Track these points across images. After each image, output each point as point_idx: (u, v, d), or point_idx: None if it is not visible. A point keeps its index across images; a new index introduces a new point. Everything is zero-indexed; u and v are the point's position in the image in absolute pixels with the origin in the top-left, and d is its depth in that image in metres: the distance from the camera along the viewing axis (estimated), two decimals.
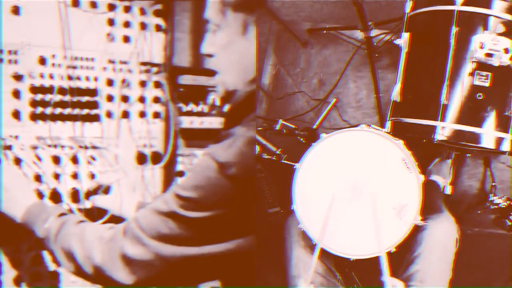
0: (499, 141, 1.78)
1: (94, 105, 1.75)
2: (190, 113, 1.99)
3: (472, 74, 1.76)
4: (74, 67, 1.69)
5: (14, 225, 1.42)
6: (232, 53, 1.33)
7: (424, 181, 1.68)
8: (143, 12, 1.85)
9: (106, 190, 1.72)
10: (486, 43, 1.73)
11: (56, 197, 1.63)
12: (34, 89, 1.62)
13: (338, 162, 1.75)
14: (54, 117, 1.66)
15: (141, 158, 1.86)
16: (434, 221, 1.76)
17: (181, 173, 1.97)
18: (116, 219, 1.62)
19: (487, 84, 1.76)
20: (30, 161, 1.59)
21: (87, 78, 1.73)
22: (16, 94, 1.58)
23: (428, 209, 1.73)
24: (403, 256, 1.74)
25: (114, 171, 1.76)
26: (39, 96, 1.62)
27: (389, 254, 1.64)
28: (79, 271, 1.33)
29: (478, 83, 1.76)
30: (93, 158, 1.74)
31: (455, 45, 1.77)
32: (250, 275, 1.35)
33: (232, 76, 1.34)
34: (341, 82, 2.69)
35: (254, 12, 1.32)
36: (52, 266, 1.63)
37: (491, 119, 1.76)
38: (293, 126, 2.45)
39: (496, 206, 2.24)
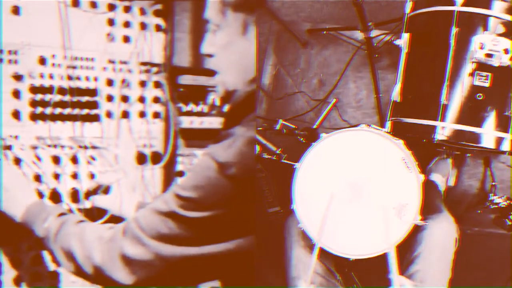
0: (499, 141, 1.78)
1: (94, 105, 1.75)
2: (190, 113, 1.98)
3: (472, 74, 1.76)
4: (74, 67, 1.69)
5: (14, 224, 1.42)
6: (232, 53, 1.33)
7: (424, 180, 1.68)
8: (143, 12, 1.85)
9: (106, 190, 1.72)
10: (486, 44, 1.73)
11: (56, 197, 1.63)
12: (34, 89, 1.62)
13: (338, 162, 1.75)
14: (54, 117, 1.65)
15: (141, 158, 1.86)
16: (433, 221, 1.76)
17: (181, 173, 1.97)
18: (116, 219, 1.62)
19: (487, 84, 1.76)
20: (30, 161, 1.59)
21: (87, 78, 1.73)
22: (16, 94, 1.58)
23: (428, 209, 1.73)
24: (403, 256, 1.74)
25: (114, 171, 1.76)
26: (39, 96, 1.62)
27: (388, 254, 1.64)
28: (78, 271, 1.33)
29: (478, 83, 1.76)
30: (93, 158, 1.74)
31: (455, 45, 1.77)
32: (250, 275, 1.35)
33: (232, 76, 1.34)
34: (341, 82, 2.69)
35: (254, 12, 1.32)
36: (52, 266, 1.63)
37: (491, 119, 1.76)
38: (293, 126, 2.45)
39: (496, 206, 2.24)
